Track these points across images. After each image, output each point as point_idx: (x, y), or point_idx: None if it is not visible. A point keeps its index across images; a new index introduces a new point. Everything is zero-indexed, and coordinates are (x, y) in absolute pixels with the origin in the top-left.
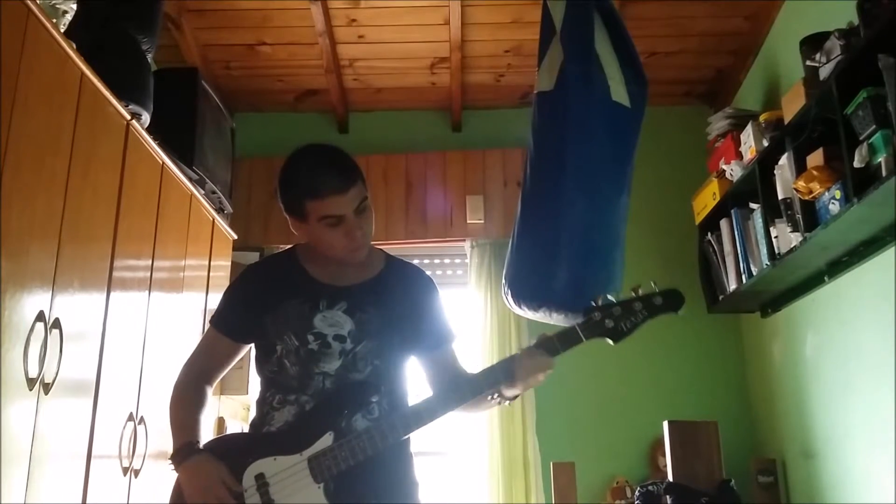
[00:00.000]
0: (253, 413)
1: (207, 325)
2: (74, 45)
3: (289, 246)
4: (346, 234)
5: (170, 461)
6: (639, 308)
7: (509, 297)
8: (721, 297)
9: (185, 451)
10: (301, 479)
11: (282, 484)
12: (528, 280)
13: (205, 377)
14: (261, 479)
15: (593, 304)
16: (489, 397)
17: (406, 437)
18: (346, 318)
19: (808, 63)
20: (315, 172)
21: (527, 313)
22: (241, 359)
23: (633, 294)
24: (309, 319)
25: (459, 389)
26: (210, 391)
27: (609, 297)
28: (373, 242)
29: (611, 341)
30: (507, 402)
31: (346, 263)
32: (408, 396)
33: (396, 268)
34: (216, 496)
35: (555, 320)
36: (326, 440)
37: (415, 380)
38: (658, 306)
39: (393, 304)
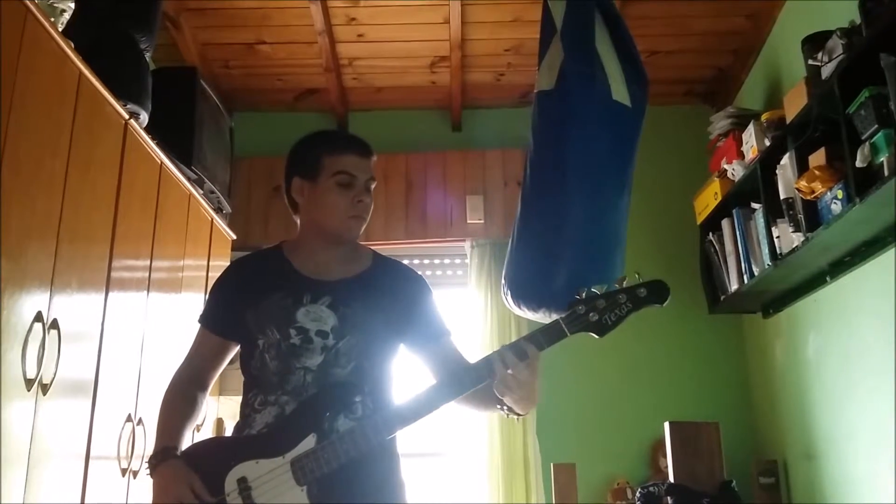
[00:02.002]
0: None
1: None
2: (72, 45)
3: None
4: (352, 198)
5: (145, 465)
6: (623, 300)
7: (509, 298)
8: (722, 298)
9: (160, 456)
10: (284, 483)
11: (264, 487)
12: (528, 280)
13: (197, 380)
14: (243, 482)
15: (577, 296)
16: (497, 406)
17: (390, 437)
18: (329, 312)
19: (810, 62)
20: (337, 134)
21: (526, 314)
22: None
23: (617, 286)
24: (291, 313)
25: (443, 389)
26: (202, 396)
27: (593, 289)
28: (372, 243)
29: (595, 335)
30: (516, 416)
31: (338, 240)
32: (392, 396)
33: (384, 265)
34: (181, 502)
35: None
36: (309, 442)
37: (402, 379)
38: (642, 298)
39: (379, 299)
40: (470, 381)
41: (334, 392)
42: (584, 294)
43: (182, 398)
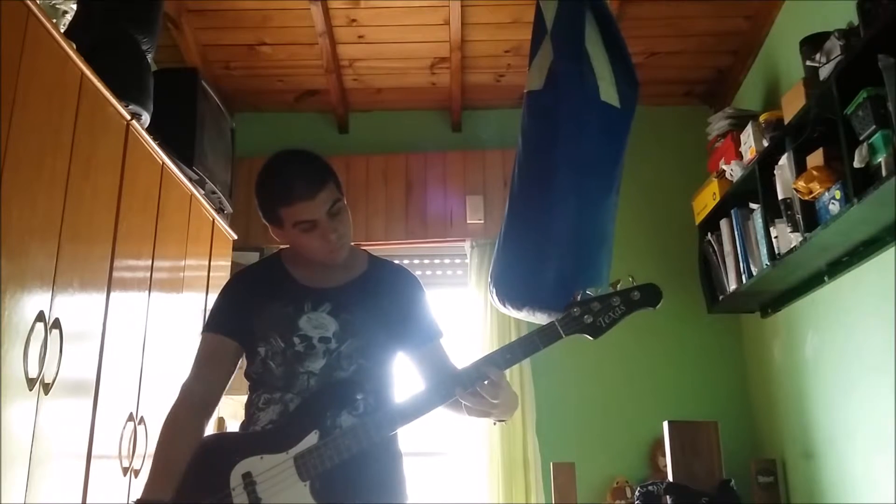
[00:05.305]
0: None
1: (199, 337)
2: (74, 46)
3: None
4: (321, 237)
5: None
6: (616, 303)
7: (494, 296)
8: (721, 298)
9: None
10: (287, 478)
11: (268, 483)
12: (514, 279)
13: (205, 404)
14: (248, 477)
15: (572, 299)
16: (479, 413)
17: (392, 434)
18: (330, 319)
19: (808, 63)
20: (284, 180)
21: (511, 312)
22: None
23: (611, 289)
24: (294, 321)
25: (443, 386)
26: (206, 425)
27: (588, 292)
28: (372, 243)
29: (590, 337)
30: (503, 421)
31: (327, 266)
32: (393, 395)
33: (380, 267)
34: None
35: (538, 319)
36: (312, 438)
37: (403, 380)
38: (635, 301)
39: (377, 302)
40: (470, 380)
41: (336, 389)
42: (579, 296)
43: (187, 435)
